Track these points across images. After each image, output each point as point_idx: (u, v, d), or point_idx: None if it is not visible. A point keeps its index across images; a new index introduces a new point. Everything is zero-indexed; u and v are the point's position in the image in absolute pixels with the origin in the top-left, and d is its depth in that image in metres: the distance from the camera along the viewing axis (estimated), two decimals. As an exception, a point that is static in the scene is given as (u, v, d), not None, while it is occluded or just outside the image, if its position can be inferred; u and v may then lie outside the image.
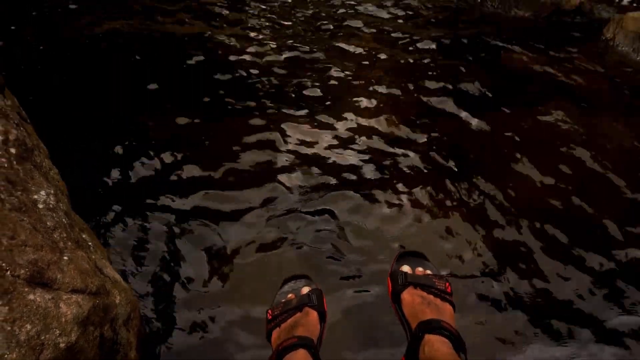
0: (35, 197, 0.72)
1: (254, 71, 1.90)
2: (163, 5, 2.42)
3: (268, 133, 1.54)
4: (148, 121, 1.59)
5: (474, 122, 1.67)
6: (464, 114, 1.70)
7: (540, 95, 1.87)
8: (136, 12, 2.34)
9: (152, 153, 1.43)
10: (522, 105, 1.79)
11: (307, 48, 2.10)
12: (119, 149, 1.45)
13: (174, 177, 1.35)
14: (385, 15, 2.40)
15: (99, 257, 0.84)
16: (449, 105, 1.75)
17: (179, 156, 1.43)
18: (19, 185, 0.70)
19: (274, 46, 2.10)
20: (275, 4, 2.55)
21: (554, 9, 2.37)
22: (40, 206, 0.72)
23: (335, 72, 1.92)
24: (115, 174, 1.35)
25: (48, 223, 0.71)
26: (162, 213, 1.23)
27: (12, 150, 0.74)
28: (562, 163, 1.49)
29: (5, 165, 0.70)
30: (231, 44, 2.10)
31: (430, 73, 1.96)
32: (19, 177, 0.71)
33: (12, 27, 2.11)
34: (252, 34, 2.19)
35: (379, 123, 1.64)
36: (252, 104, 1.70)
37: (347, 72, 1.93)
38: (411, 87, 1.86)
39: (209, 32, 2.18)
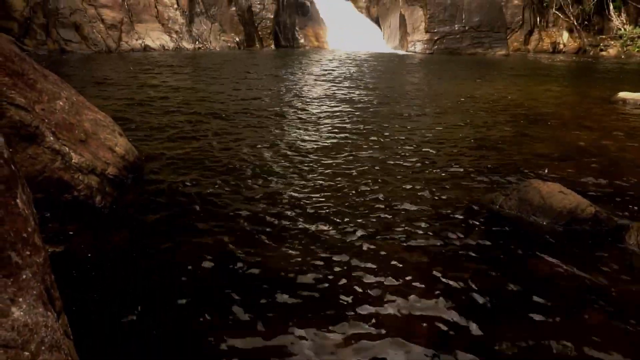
0: None
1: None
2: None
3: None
4: None
5: (505, 336, 1.61)
6: (488, 334, 1.66)
7: (571, 305, 1.82)
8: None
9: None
10: (553, 314, 1.74)
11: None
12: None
13: None
14: (398, 220, 2.55)
15: None
16: (471, 325, 1.72)
17: None
18: None
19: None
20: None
21: (571, 217, 2.47)
22: None
23: (354, 278, 1.98)
24: None
25: None
26: None
27: None
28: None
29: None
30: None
31: (448, 282, 1.98)
32: None
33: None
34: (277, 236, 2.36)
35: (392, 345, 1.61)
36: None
37: (360, 276, 1.98)
38: (428, 302, 1.87)
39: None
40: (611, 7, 20.40)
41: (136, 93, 6.32)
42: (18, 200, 0.84)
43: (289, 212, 2.61)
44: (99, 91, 6.34)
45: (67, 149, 2.56)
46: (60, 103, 2.77)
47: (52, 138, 2.50)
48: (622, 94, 6.91)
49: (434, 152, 3.90)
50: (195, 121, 4.74)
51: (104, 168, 2.73)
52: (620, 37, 19.91)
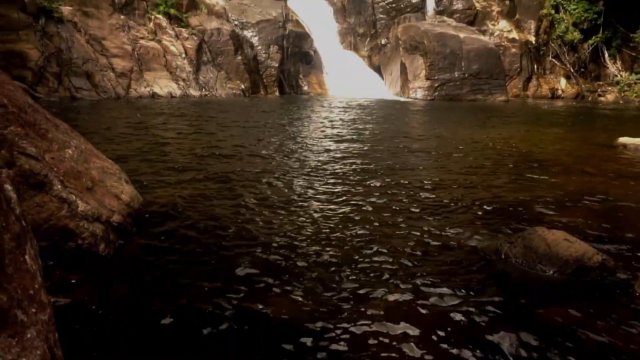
0: None
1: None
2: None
3: None
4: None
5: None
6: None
7: (581, 358, 1.77)
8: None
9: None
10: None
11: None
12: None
13: None
14: (404, 273, 2.52)
15: None
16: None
17: None
18: None
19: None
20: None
21: (578, 266, 2.45)
22: None
23: (354, 325, 1.94)
24: None
25: None
26: None
27: None
28: None
29: None
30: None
31: (453, 333, 1.94)
32: None
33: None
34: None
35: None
36: None
37: (364, 325, 1.94)
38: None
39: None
40: (606, 55, 20.98)
41: (142, 139, 6.44)
42: (27, 257, 0.85)
43: (292, 261, 2.60)
44: (107, 137, 6.46)
45: (73, 196, 2.59)
46: (70, 151, 2.83)
47: (59, 186, 2.54)
48: (623, 139, 6.99)
49: (436, 198, 3.91)
50: (200, 167, 4.81)
51: (109, 216, 2.75)
52: (617, 83, 20.35)
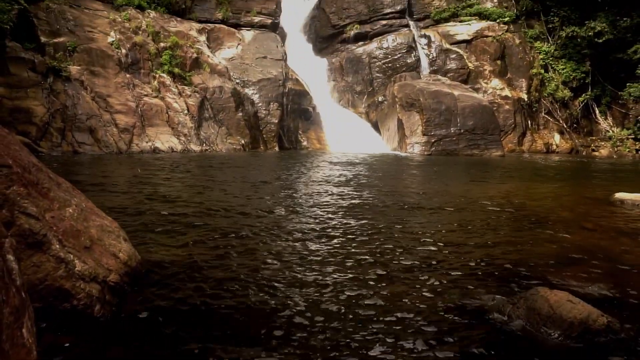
0: None
1: None
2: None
3: None
4: None
5: None
6: None
7: None
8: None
9: None
10: None
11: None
12: None
13: None
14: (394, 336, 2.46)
15: None
16: None
17: None
18: None
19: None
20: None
21: (583, 328, 2.39)
22: None
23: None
24: None
25: None
26: None
27: None
28: None
29: None
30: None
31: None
32: None
33: None
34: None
35: None
36: None
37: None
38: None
39: None
40: (597, 111, 21.60)
41: (142, 194, 6.47)
42: (24, 330, 0.84)
43: (292, 323, 2.54)
44: (107, 192, 6.50)
45: (71, 256, 2.57)
46: (70, 210, 2.84)
47: (57, 245, 2.53)
48: (619, 195, 7.04)
49: (435, 255, 3.89)
50: (199, 224, 4.80)
51: (106, 275, 2.71)
52: (610, 138, 20.80)
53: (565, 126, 21.41)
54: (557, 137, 21.38)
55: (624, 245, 4.35)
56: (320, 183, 8.52)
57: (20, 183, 2.47)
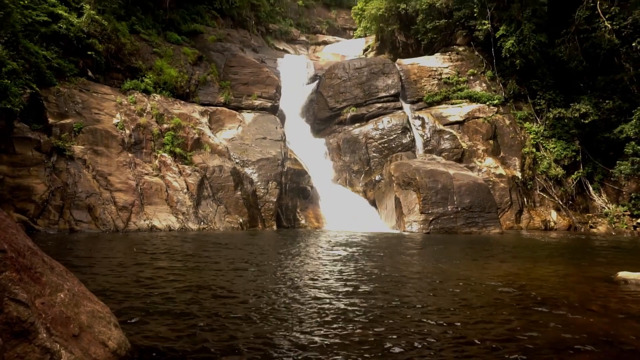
0: None
1: None
2: None
3: None
4: None
5: None
6: None
7: None
8: None
9: None
10: None
11: None
12: None
13: None
14: None
15: None
16: None
17: None
18: None
19: None
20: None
21: None
22: None
23: None
24: None
25: None
26: None
27: None
28: None
29: None
30: None
31: None
32: None
33: None
34: None
35: None
36: None
37: None
38: None
39: None
40: (591, 188, 21.91)
41: (135, 276, 6.34)
42: None
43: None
44: (100, 273, 6.36)
45: (57, 346, 2.46)
46: (62, 295, 2.77)
47: (45, 335, 2.43)
48: (623, 274, 6.93)
49: (436, 341, 3.73)
50: (193, 309, 4.65)
51: (93, 366, 2.58)
52: (606, 214, 20.88)
53: (561, 203, 21.60)
54: (554, 214, 21.47)
55: (633, 330, 4.20)
56: (318, 264, 8.39)
57: (13, 268, 2.43)
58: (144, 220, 14.50)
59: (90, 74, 17.33)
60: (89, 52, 16.88)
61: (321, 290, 5.68)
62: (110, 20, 18.15)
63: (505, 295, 5.71)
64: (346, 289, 5.82)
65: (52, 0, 16.22)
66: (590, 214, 21.60)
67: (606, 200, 21.56)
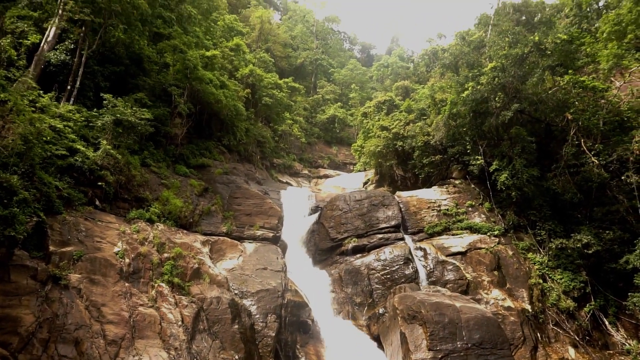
0: None
1: None
2: None
3: None
4: None
5: None
6: None
7: None
8: None
9: None
10: None
11: None
12: None
13: None
14: None
15: None
16: None
17: None
18: None
19: None
20: None
21: None
22: None
23: None
24: None
25: None
26: None
27: None
28: None
29: None
30: None
31: None
32: None
33: None
34: None
35: None
36: None
37: None
38: None
39: None
40: (606, 322, 20.80)
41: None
42: None
43: None
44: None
45: None
46: None
47: None
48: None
49: None
50: None
51: None
52: (629, 352, 19.48)
53: (577, 339, 20.29)
54: (571, 351, 20.02)
55: None
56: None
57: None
58: (133, 356, 13.52)
59: (97, 203, 17.78)
60: (100, 183, 17.54)
61: None
62: (124, 154, 19.23)
63: None
64: None
65: (72, 136, 17.38)
66: (611, 351, 20.16)
67: (625, 336, 20.31)
